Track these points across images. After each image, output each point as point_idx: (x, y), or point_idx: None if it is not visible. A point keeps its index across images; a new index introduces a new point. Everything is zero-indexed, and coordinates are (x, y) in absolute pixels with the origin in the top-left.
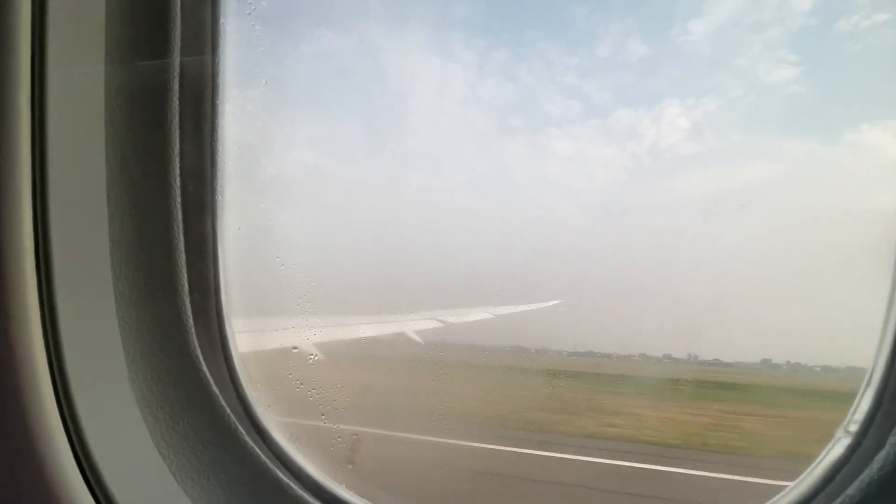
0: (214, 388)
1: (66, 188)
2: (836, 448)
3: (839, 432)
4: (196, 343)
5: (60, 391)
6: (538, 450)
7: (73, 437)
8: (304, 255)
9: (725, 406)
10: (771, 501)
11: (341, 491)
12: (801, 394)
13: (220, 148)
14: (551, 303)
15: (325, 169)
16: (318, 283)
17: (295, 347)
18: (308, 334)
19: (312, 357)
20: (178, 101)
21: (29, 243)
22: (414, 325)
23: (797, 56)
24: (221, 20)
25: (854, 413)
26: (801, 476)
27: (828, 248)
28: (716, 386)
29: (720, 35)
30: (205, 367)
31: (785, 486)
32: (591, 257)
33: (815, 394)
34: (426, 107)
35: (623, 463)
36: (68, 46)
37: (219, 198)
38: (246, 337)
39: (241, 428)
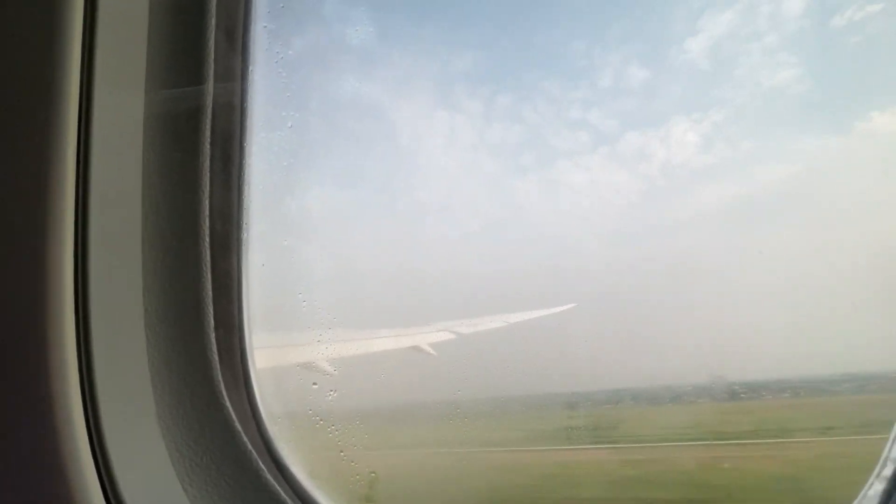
0: (237, 424)
1: (103, 225)
2: (871, 493)
3: (872, 476)
4: (220, 379)
5: (91, 424)
6: None
7: (102, 470)
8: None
9: None
10: None
11: None
12: None
13: (246, 188)
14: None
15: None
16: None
17: (315, 384)
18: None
19: (331, 394)
20: (209, 144)
21: (69, 277)
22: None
23: (797, 57)
24: (250, 68)
25: (890, 452)
26: None
27: (856, 243)
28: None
29: (718, 49)
30: (228, 403)
31: None
32: (617, 283)
33: None
34: (438, 156)
35: None
36: (111, 82)
37: (244, 235)
38: (268, 373)
39: (262, 464)
